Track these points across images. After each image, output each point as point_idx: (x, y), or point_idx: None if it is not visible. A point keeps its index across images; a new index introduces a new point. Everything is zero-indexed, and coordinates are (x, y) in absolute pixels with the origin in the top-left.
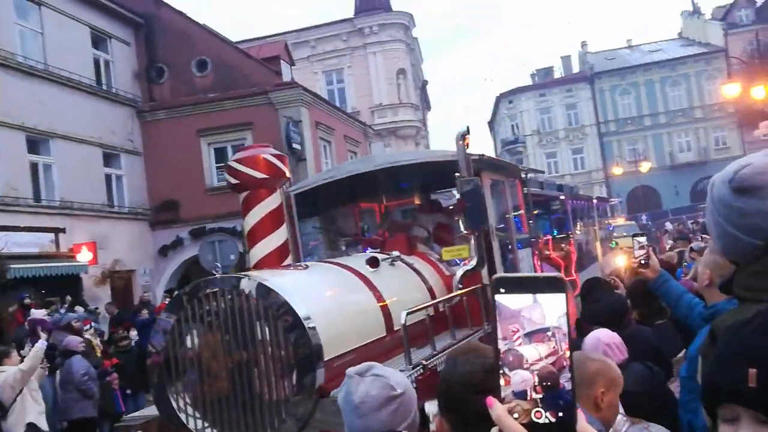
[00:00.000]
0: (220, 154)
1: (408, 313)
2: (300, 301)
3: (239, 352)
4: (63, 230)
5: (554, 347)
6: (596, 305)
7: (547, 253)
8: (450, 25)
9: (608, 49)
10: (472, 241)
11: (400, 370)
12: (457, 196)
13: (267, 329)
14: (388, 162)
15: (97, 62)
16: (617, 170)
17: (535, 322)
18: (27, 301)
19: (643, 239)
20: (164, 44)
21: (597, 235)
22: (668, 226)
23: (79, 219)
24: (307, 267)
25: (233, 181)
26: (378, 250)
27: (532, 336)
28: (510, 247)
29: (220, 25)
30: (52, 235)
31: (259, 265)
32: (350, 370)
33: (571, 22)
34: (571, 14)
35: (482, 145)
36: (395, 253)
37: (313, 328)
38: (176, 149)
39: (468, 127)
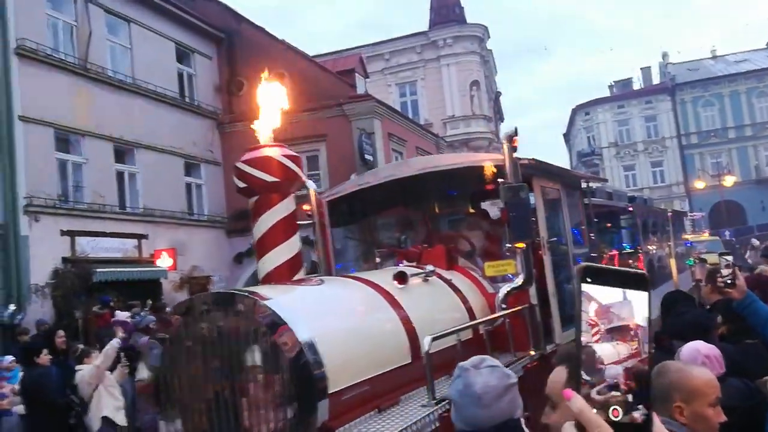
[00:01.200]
0: None
1: (434, 339)
2: (303, 322)
3: (226, 379)
4: (145, 236)
5: (637, 348)
6: (681, 318)
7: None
8: (526, 36)
9: (691, 59)
10: (519, 256)
11: (421, 406)
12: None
13: (260, 354)
14: (429, 166)
15: (180, 76)
16: (699, 184)
17: (622, 318)
18: (111, 303)
19: (729, 258)
20: (244, 58)
21: (672, 251)
22: (755, 242)
23: (160, 226)
24: (322, 282)
25: (241, 184)
26: (414, 264)
27: (616, 333)
28: (565, 262)
29: (298, 39)
30: (135, 241)
31: (268, 279)
32: (464, 364)
33: (651, 36)
34: (652, 25)
35: (557, 157)
36: (429, 267)
37: (317, 354)
38: None
39: (516, 128)
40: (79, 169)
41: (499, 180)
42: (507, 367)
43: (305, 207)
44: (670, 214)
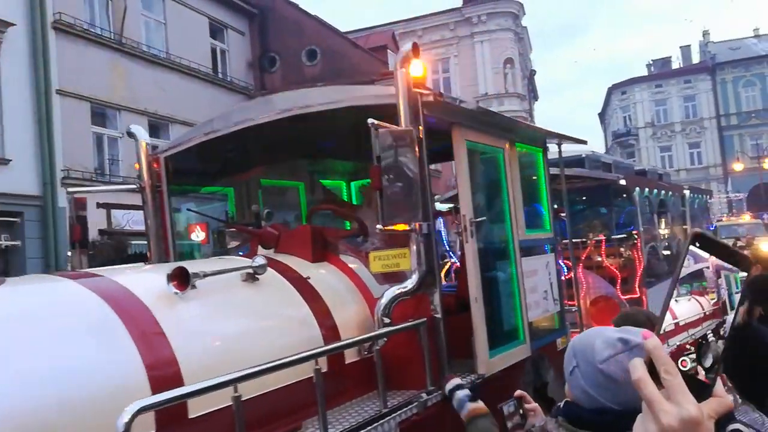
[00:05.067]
0: None
1: (140, 410)
2: None
3: None
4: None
5: (719, 309)
6: None
7: (598, 259)
8: (563, 14)
9: (732, 38)
10: (415, 245)
11: None
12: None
13: None
14: (297, 106)
15: (214, 51)
16: (738, 166)
17: (713, 280)
18: None
19: None
20: (276, 34)
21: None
22: None
23: (193, 200)
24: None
25: None
26: (272, 249)
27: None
28: (504, 253)
29: (331, 15)
30: None
31: None
32: (632, 338)
33: (691, 19)
34: (693, 2)
35: (592, 137)
36: (259, 260)
37: None
38: None
39: (415, 43)
40: (115, 142)
41: (369, 121)
42: (379, 420)
43: (137, 166)
44: (686, 191)
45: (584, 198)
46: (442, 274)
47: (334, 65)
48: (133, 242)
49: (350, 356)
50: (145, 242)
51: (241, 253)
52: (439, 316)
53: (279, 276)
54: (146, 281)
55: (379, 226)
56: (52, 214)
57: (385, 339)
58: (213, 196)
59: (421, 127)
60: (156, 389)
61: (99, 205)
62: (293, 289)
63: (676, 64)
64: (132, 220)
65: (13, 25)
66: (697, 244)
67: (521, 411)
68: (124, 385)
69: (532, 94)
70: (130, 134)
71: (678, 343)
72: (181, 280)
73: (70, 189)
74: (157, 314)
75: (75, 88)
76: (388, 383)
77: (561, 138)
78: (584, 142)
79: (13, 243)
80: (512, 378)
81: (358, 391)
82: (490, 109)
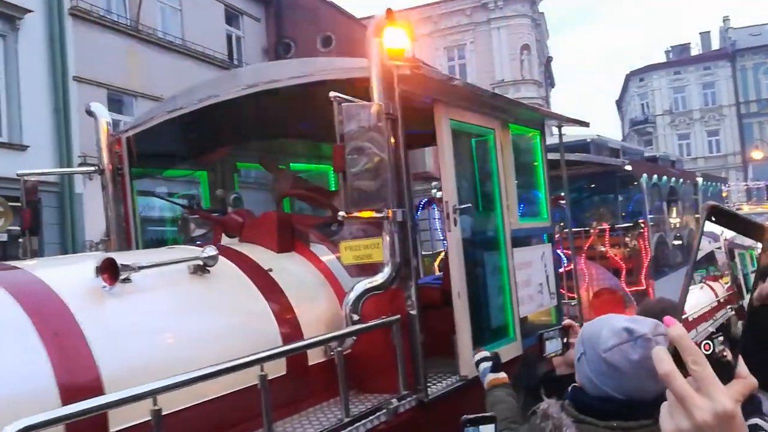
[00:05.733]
0: None
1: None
2: None
3: None
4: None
5: (734, 293)
6: None
7: (602, 249)
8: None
9: (753, 24)
10: (388, 234)
11: None
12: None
13: None
14: (263, 81)
15: (229, 38)
16: (757, 154)
17: (726, 264)
18: None
19: None
20: (292, 21)
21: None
22: None
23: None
24: None
25: None
26: (236, 238)
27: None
28: (493, 242)
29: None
30: (186, 201)
31: None
32: (638, 328)
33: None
34: None
35: (608, 125)
36: (209, 250)
37: None
38: None
39: (389, 10)
40: None
41: (331, 94)
42: (340, 430)
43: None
44: (699, 178)
45: (589, 185)
46: (435, 265)
47: (349, 52)
48: (150, 228)
49: (315, 357)
50: (164, 228)
51: (199, 243)
52: (414, 312)
53: (234, 268)
54: (71, 275)
55: (341, 214)
56: (69, 200)
57: (354, 338)
58: (187, 179)
59: (396, 103)
60: (68, 399)
61: None
62: (250, 283)
63: (695, 51)
64: (148, 206)
65: (30, 11)
66: (713, 219)
67: (565, 340)
68: (25, 394)
69: (549, 81)
70: (89, 112)
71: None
72: (111, 272)
73: (20, 172)
74: (77, 313)
75: (92, 74)
76: (362, 386)
77: (561, 119)
78: (586, 125)
79: None
80: None
81: (325, 395)
82: (505, 95)
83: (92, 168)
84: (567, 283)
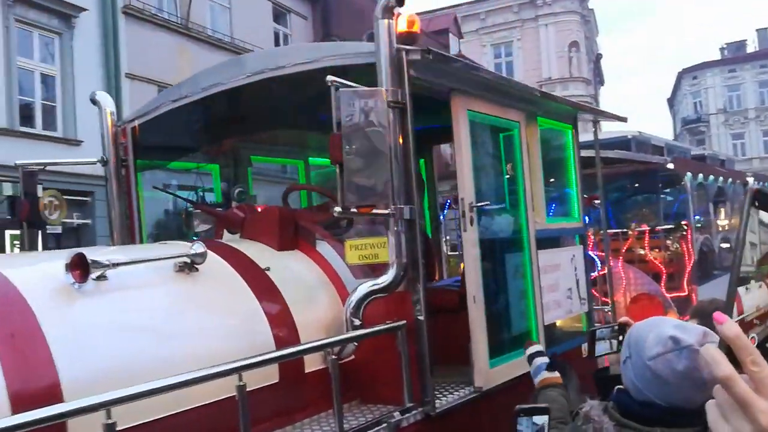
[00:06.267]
0: None
1: None
2: None
3: None
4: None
5: None
6: None
7: (641, 252)
8: None
9: None
10: (393, 233)
11: None
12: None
13: None
14: (269, 68)
15: (276, 35)
16: None
17: None
18: None
19: None
20: (338, 18)
21: (756, 230)
22: None
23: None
24: None
25: None
26: (238, 234)
27: None
28: (516, 243)
29: None
30: None
31: None
32: (686, 338)
33: None
34: None
35: (660, 123)
36: (197, 246)
37: None
38: None
39: None
40: None
41: (328, 78)
42: None
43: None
44: (749, 178)
45: (631, 185)
46: (462, 266)
47: None
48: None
49: (314, 363)
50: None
51: (194, 238)
52: (422, 318)
53: (227, 266)
54: (39, 271)
55: (336, 209)
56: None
57: (356, 344)
58: (199, 172)
59: (405, 90)
60: (20, 407)
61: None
62: (243, 283)
63: (751, 48)
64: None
65: (85, 10)
66: (757, 204)
67: (621, 338)
68: None
69: (598, 79)
70: (93, 101)
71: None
72: (84, 269)
73: (19, 162)
74: (40, 312)
75: (143, 71)
76: (365, 396)
77: (596, 114)
78: (624, 120)
79: (84, 221)
80: (521, 391)
81: (324, 405)
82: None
83: (95, 159)
84: (602, 287)
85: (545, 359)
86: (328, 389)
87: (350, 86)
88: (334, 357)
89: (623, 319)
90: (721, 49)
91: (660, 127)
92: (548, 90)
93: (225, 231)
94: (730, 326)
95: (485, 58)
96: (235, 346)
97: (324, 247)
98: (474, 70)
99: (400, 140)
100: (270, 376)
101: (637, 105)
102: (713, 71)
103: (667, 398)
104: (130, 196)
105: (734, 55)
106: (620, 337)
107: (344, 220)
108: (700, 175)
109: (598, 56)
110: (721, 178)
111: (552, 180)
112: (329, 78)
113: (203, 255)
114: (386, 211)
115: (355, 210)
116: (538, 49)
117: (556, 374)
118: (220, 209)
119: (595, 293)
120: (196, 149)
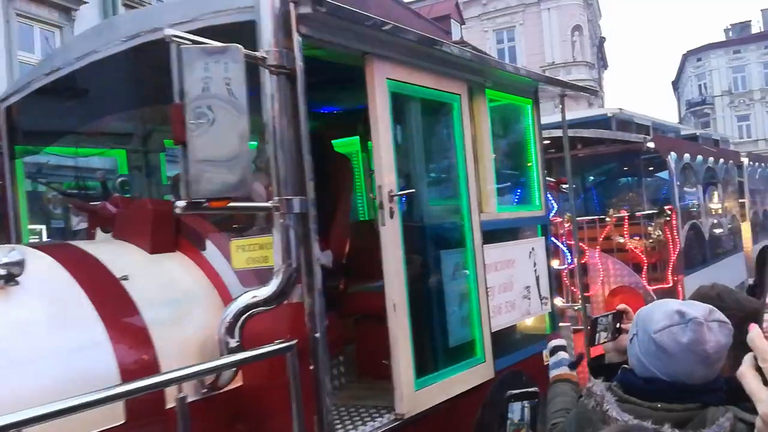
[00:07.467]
0: None
1: None
2: None
3: None
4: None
5: None
6: None
7: (620, 240)
8: None
9: None
10: (278, 232)
11: None
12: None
13: None
14: (146, 30)
15: None
16: None
17: None
18: None
19: None
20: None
21: (747, 216)
22: None
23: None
24: None
25: None
26: (110, 232)
27: None
28: (455, 237)
29: None
30: None
31: None
32: (692, 312)
33: None
34: None
35: (664, 106)
36: (14, 254)
37: None
38: None
39: None
40: None
41: (166, 32)
42: None
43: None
44: (744, 159)
45: (619, 167)
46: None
47: None
48: None
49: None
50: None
51: (36, 238)
52: (318, 335)
53: (64, 277)
54: None
55: (178, 204)
56: None
57: (233, 370)
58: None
59: (294, 53)
60: None
61: None
62: (84, 298)
63: (756, 29)
64: None
65: (85, 2)
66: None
67: (618, 325)
68: None
69: (602, 63)
70: None
71: None
72: None
73: None
74: None
75: None
76: (255, 431)
77: (562, 86)
78: (594, 93)
79: None
80: (462, 413)
81: None
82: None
83: None
84: (574, 281)
85: (569, 357)
86: (206, 424)
87: (201, 42)
88: (182, 395)
89: (621, 306)
90: (726, 30)
91: (665, 110)
92: (551, 74)
93: (99, 230)
94: (753, 333)
95: (488, 44)
96: (49, 384)
97: (214, 250)
98: (391, 28)
99: (289, 115)
100: (112, 416)
101: (641, 87)
102: (717, 53)
103: (670, 371)
104: (5, 186)
105: (739, 36)
106: (617, 325)
107: (254, 217)
108: (687, 156)
109: (601, 40)
110: (711, 159)
111: (511, 164)
112: (167, 32)
113: (20, 264)
114: (266, 204)
115: (206, 204)
116: (540, 33)
117: (573, 373)
118: (95, 203)
119: (573, 288)
120: (78, 131)
